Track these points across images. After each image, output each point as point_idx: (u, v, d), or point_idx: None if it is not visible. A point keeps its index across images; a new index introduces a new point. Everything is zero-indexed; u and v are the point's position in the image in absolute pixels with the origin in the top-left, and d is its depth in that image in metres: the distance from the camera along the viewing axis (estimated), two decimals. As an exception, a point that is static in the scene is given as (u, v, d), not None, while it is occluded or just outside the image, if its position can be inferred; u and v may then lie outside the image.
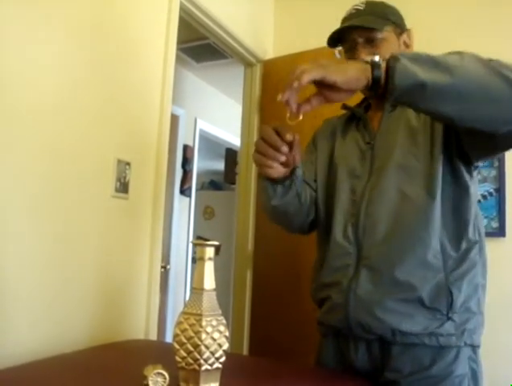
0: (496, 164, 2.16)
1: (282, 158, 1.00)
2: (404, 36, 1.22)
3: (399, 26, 1.20)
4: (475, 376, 1.06)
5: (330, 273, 1.16)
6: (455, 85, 0.84)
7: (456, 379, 1.03)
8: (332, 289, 1.15)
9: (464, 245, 1.06)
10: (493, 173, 2.16)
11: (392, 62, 0.84)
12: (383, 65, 0.85)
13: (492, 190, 2.16)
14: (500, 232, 2.14)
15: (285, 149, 0.98)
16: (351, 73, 0.86)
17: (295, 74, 0.87)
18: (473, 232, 1.09)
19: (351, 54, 1.18)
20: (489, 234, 2.13)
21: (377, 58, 0.87)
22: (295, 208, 1.19)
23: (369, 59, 0.87)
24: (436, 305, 1.04)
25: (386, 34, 1.16)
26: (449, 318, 1.04)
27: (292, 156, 1.02)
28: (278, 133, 0.99)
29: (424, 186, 1.07)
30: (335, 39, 1.20)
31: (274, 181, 1.09)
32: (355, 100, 1.23)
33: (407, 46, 1.22)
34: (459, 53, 0.89)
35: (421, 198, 1.07)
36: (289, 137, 0.98)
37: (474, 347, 1.07)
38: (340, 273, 1.13)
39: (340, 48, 1.22)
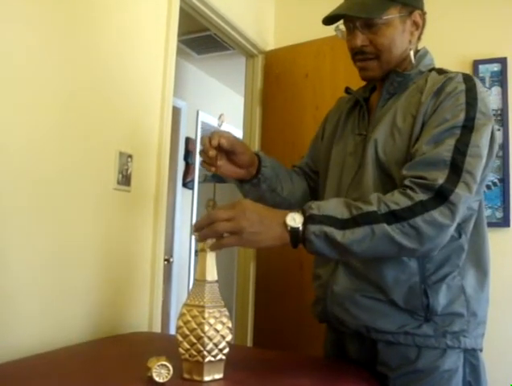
0: (500, 154, 2.14)
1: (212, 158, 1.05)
2: (415, 15, 1.09)
3: (409, 5, 1.08)
4: (476, 371, 1.04)
5: (316, 265, 1.20)
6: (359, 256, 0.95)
7: (444, 373, 1.01)
8: (316, 282, 1.18)
9: (445, 248, 0.98)
10: (497, 163, 2.15)
11: (308, 233, 0.89)
12: (301, 227, 0.90)
13: (496, 181, 2.15)
14: (504, 222, 2.13)
15: (211, 153, 1.02)
16: (265, 243, 0.90)
17: (212, 223, 0.88)
18: (458, 233, 1.02)
19: (350, 36, 1.10)
20: (494, 224, 2.12)
21: (297, 224, 0.90)
22: (274, 201, 1.20)
23: (289, 222, 0.90)
24: (412, 308, 1.02)
25: (388, 18, 1.05)
26: (428, 320, 1.01)
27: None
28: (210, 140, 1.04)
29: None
30: (333, 17, 1.10)
31: (241, 180, 1.17)
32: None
33: (417, 27, 1.11)
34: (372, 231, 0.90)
35: None
36: (213, 142, 1.02)
37: (468, 351, 1.03)
38: (322, 268, 1.15)
39: (341, 27, 1.13)
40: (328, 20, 1.11)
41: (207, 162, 1.04)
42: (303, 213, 0.91)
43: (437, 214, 0.90)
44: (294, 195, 1.25)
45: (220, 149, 1.03)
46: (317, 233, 0.89)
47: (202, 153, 1.05)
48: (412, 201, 0.90)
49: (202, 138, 1.05)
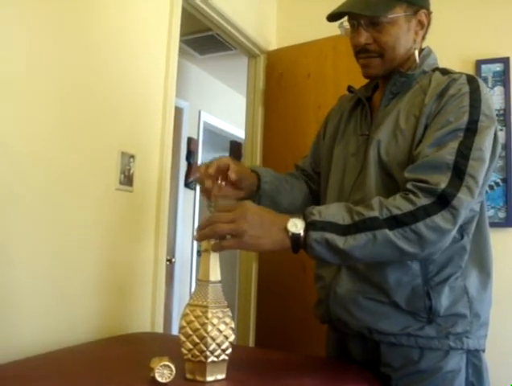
0: (502, 154, 2.14)
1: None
2: (421, 14, 1.08)
3: (415, 4, 1.07)
4: (479, 371, 1.04)
5: (318, 266, 1.19)
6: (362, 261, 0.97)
7: (448, 374, 1.01)
8: (318, 283, 1.18)
9: (447, 249, 0.97)
10: (500, 163, 2.14)
11: (309, 239, 0.88)
12: (302, 233, 0.89)
13: (499, 181, 2.15)
14: (507, 222, 2.12)
15: (208, 183, 1.04)
16: (265, 247, 0.90)
17: (212, 224, 0.88)
18: (460, 234, 1.02)
19: (353, 33, 1.09)
20: (496, 224, 2.12)
21: (298, 230, 0.89)
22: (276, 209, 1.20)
23: (290, 228, 0.89)
24: (414, 309, 1.01)
25: (393, 17, 1.04)
26: (431, 322, 1.01)
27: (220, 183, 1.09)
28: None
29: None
30: (337, 14, 1.10)
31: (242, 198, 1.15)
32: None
33: (422, 26, 1.10)
34: (374, 236, 0.89)
35: None
36: (210, 170, 1.04)
37: (471, 352, 1.03)
38: (325, 269, 1.15)
39: (345, 24, 1.11)
40: (332, 17, 1.10)
41: (204, 193, 1.05)
42: (305, 219, 0.90)
43: (439, 219, 0.89)
44: (295, 204, 1.25)
45: (217, 175, 1.04)
46: (318, 240, 0.88)
47: (198, 181, 1.05)
48: (414, 206, 0.90)
49: (199, 167, 1.06)
